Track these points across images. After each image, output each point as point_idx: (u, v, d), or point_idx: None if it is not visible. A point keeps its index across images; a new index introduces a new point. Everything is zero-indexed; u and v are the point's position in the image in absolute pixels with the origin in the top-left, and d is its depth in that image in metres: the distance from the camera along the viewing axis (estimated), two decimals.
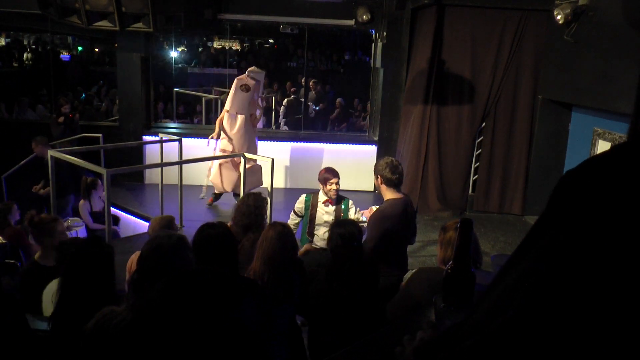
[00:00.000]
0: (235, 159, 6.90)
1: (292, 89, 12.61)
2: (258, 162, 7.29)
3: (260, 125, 7.80)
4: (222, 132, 7.04)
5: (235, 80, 6.99)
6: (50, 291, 2.94)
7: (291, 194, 8.61)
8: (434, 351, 0.96)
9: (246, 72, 7.08)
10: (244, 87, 6.88)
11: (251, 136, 7.13)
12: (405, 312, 2.81)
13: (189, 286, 1.01)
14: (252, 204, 3.70)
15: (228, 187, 7.26)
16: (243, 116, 6.94)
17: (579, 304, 0.60)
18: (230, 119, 6.98)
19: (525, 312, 0.64)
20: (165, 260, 2.26)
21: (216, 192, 7.43)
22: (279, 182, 8.42)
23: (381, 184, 3.90)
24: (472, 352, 0.71)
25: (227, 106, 7.02)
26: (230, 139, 7.00)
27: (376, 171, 3.95)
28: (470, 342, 0.71)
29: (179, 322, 0.96)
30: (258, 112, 7.22)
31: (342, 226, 3.15)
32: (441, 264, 2.79)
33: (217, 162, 7.01)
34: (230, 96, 6.99)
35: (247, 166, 6.92)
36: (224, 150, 7.01)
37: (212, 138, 7.15)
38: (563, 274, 0.61)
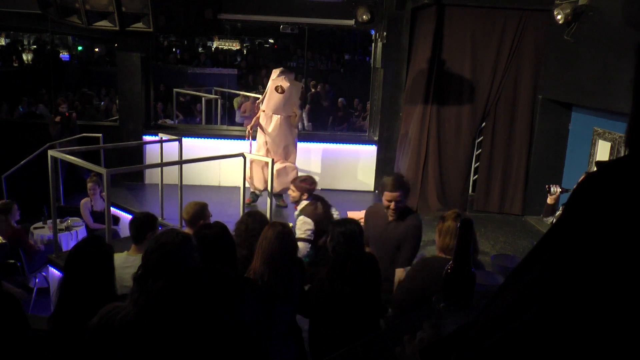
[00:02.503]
0: (264, 156, 6.90)
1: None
2: (293, 164, 7.34)
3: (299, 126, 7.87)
4: (258, 130, 7.14)
5: (270, 82, 7.05)
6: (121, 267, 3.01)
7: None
8: (442, 351, 0.96)
9: (279, 74, 7.04)
10: (279, 89, 6.91)
11: (288, 137, 7.17)
12: (410, 301, 2.82)
13: (189, 285, 1.01)
14: (250, 226, 3.39)
15: (260, 185, 7.28)
16: (279, 117, 6.98)
17: (600, 305, 0.60)
18: (266, 119, 7.05)
19: (549, 312, 0.64)
20: (168, 258, 2.27)
21: (251, 189, 7.42)
22: None
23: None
24: (493, 352, 0.71)
25: (262, 106, 7.10)
26: (266, 138, 7.09)
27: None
28: (491, 341, 0.71)
29: (179, 321, 0.96)
30: (298, 113, 7.26)
31: (343, 225, 3.14)
32: (440, 252, 2.87)
33: (248, 160, 7.03)
34: (266, 97, 7.07)
35: (280, 166, 7.00)
36: (259, 149, 7.12)
37: (247, 138, 7.31)
38: (585, 276, 0.61)
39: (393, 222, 3.76)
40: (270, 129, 7.03)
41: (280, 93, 6.90)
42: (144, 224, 3.51)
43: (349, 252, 3.03)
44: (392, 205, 3.66)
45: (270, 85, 7.01)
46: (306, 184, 4.58)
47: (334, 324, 3.02)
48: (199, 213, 4.01)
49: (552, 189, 4.58)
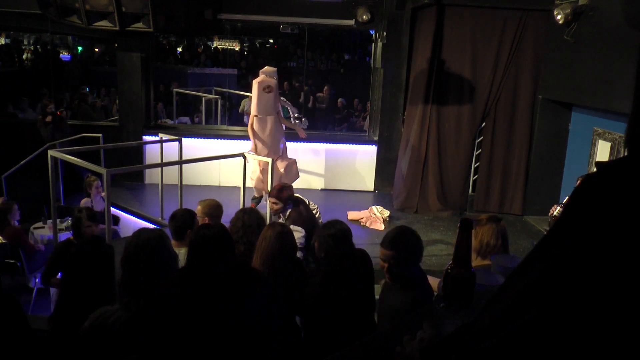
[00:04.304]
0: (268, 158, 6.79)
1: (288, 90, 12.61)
2: (290, 156, 7.30)
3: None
4: (254, 137, 6.92)
5: (256, 84, 6.78)
6: None
7: None
8: (442, 351, 0.96)
9: (262, 74, 6.87)
10: (268, 89, 6.73)
11: (281, 133, 7.10)
12: None
13: (192, 285, 1.01)
14: (247, 223, 3.45)
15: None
16: (272, 117, 6.84)
17: (600, 306, 0.60)
18: (261, 123, 6.84)
19: (549, 313, 0.64)
20: (154, 254, 2.31)
21: (256, 195, 7.35)
22: None
23: None
24: (493, 352, 0.70)
25: (254, 111, 6.86)
26: (264, 142, 6.91)
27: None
28: (491, 342, 0.71)
29: (178, 321, 0.96)
30: (287, 104, 7.20)
31: (331, 227, 3.09)
32: (475, 255, 2.81)
33: (258, 169, 6.95)
34: (255, 100, 6.83)
35: (285, 164, 6.96)
36: (259, 153, 6.88)
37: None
38: (584, 277, 0.61)
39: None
40: (267, 132, 6.85)
41: (269, 92, 6.74)
42: (185, 221, 3.57)
43: (340, 253, 2.98)
44: (385, 266, 2.83)
45: (257, 87, 6.76)
46: (286, 192, 4.50)
47: (331, 326, 3.00)
48: (216, 208, 4.12)
49: (555, 213, 4.45)
